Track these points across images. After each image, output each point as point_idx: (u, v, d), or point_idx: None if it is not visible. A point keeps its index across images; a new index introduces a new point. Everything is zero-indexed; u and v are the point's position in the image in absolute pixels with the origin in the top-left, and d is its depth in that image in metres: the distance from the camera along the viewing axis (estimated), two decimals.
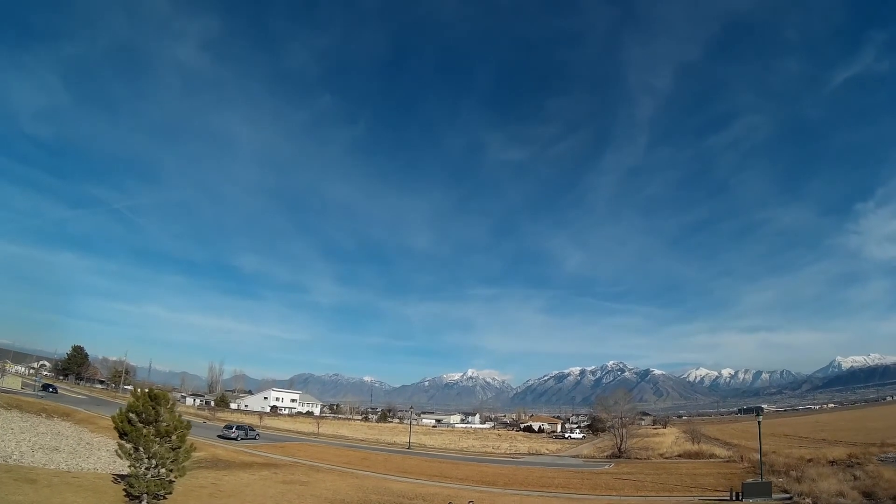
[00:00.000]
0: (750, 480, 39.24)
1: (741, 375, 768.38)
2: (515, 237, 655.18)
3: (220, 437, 62.54)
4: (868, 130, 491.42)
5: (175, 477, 23.71)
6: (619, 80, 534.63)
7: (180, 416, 24.65)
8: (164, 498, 23.91)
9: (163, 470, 23.15)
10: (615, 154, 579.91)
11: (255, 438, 65.84)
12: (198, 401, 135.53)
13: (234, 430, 64.58)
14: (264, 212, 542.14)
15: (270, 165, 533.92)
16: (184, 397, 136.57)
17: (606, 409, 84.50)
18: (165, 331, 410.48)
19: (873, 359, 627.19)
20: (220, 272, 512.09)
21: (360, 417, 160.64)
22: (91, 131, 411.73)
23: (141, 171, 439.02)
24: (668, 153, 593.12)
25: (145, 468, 22.64)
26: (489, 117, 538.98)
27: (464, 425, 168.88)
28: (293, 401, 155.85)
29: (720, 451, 70.30)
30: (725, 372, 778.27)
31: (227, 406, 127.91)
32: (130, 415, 22.81)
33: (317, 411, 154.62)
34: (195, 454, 45.26)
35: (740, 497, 35.55)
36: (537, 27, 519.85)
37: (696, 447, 74.80)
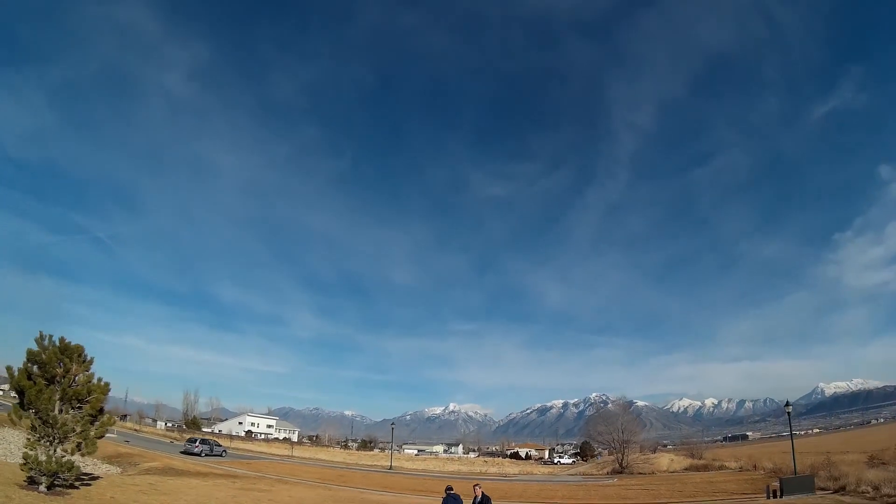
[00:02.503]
0: (788, 476, 34.27)
1: (725, 405, 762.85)
2: (497, 272, 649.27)
3: (182, 452, 55.94)
4: (846, 163, 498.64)
5: (84, 453, 18.10)
6: (602, 117, 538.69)
7: (101, 380, 19.10)
8: (74, 487, 18.27)
9: (68, 446, 17.59)
10: (597, 190, 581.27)
11: (221, 455, 59.13)
12: (169, 423, 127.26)
13: (197, 443, 57.88)
14: (246, 243, 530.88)
15: (253, 196, 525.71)
16: (154, 421, 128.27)
17: (606, 419, 78.91)
18: (143, 362, 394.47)
19: (856, 384, 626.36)
20: (201, 303, 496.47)
21: (339, 446, 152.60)
22: (76, 156, 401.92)
23: (123, 198, 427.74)
24: (650, 189, 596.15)
25: (47, 440, 17.11)
26: (473, 153, 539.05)
27: (447, 455, 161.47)
28: (269, 427, 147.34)
29: (730, 463, 65.12)
30: (709, 402, 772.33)
31: (199, 429, 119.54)
32: (31, 367, 17.35)
33: (294, 438, 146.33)
34: (146, 464, 39.53)
35: (780, 494, 30.59)
36: (522, 64, 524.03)
37: (701, 461, 69.64)
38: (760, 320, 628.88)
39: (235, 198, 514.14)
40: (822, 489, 33.51)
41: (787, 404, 39.48)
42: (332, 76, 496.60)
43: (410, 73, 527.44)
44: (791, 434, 39.20)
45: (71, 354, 18.05)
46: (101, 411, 19.07)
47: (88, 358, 18.91)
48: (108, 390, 19.12)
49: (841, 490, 30.81)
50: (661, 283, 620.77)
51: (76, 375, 18.25)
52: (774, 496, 30.85)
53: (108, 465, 32.28)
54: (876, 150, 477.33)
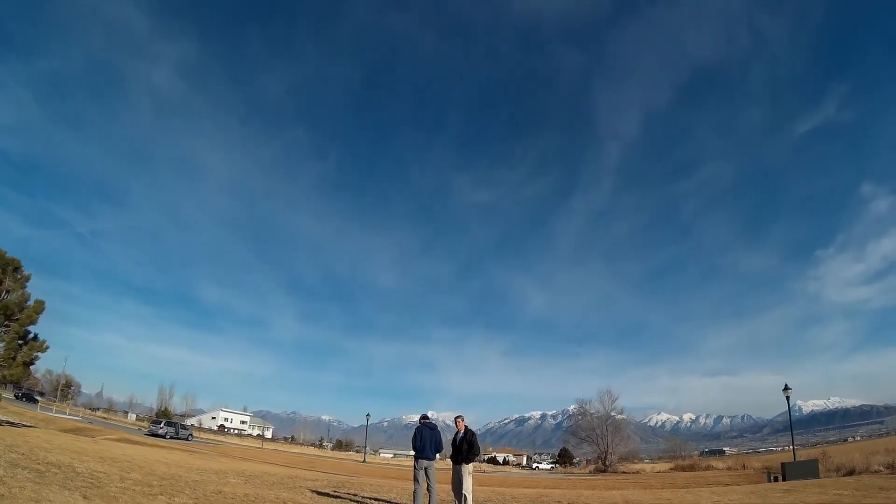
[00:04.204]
0: (789, 462, 32.14)
1: (702, 420, 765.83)
2: (480, 279, 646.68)
3: (147, 434, 52.76)
4: (829, 178, 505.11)
5: (7, 376, 15.41)
6: (588, 124, 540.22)
7: (39, 301, 16.42)
8: None
9: None
10: (582, 198, 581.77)
11: (187, 439, 55.94)
12: (140, 414, 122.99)
13: (162, 425, 54.70)
14: (229, 243, 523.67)
15: (238, 196, 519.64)
16: (126, 413, 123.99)
17: (584, 414, 76.15)
18: (121, 359, 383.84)
19: (833, 402, 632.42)
20: (182, 303, 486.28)
21: (314, 447, 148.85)
22: (60, 150, 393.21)
23: (107, 194, 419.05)
24: (634, 198, 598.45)
25: None
26: (459, 158, 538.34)
27: None
28: (243, 423, 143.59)
29: (717, 464, 63.06)
30: (686, 416, 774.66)
31: (170, 419, 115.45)
32: None
33: (269, 435, 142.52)
34: (102, 437, 36.41)
35: (782, 479, 28.47)
36: (509, 70, 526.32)
37: (687, 462, 67.52)
38: (740, 333, 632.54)
39: (220, 198, 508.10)
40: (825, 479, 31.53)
41: (786, 388, 37.46)
42: (319, 78, 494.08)
43: (397, 76, 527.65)
44: (790, 415, 37.19)
45: (5, 266, 15.41)
46: (35, 338, 16.39)
47: (25, 273, 16.28)
48: (42, 310, 16.47)
49: (850, 473, 28.78)
50: (643, 292, 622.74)
51: (8, 291, 15.60)
52: (776, 481, 28.73)
53: None
54: (858, 167, 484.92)
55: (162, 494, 9.53)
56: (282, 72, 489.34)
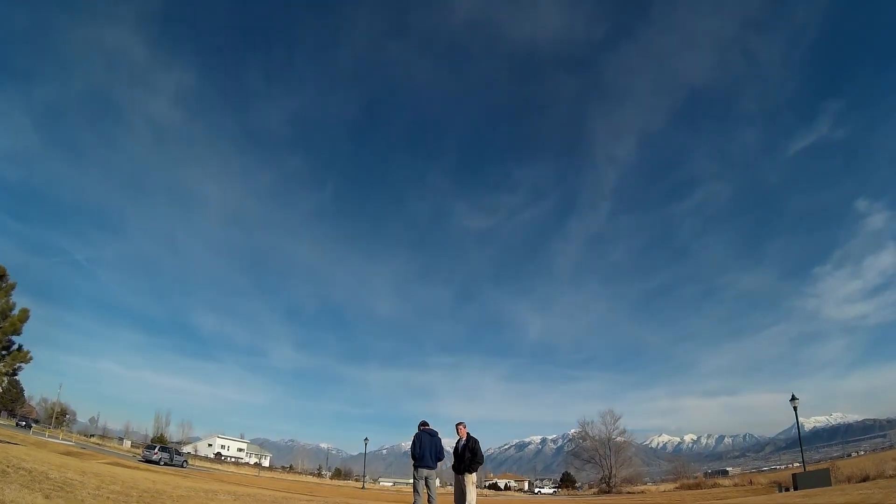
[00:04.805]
0: (800, 472, 31.19)
1: (704, 440, 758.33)
2: (478, 305, 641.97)
3: (140, 460, 51.26)
4: (825, 195, 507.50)
5: None
6: (584, 149, 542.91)
7: (25, 311, 15.73)
8: None
9: None
10: (579, 222, 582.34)
11: (182, 465, 54.31)
12: (136, 441, 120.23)
13: (156, 451, 53.06)
14: (226, 271, 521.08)
15: (236, 224, 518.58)
16: (121, 440, 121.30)
17: (586, 437, 74.50)
18: (118, 388, 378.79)
19: (835, 418, 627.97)
20: (179, 331, 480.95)
21: (312, 476, 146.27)
22: (58, 178, 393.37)
23: (104, 222, 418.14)
24: (631, 220, 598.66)
25: None
26: (455, 184, 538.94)
27: None
28: (240, 450, 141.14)
29: (723, 481, 61.74)
30: (688, 437, 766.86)
31: (165, 445, 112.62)
32: None
33: (266, 463, 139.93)
34: (94, 461, 35.29)
35: (794, 489, 27.56)
36: (506, 96, 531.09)
37: (692, 481, 66.10)
38: (739, 353, 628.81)
39: (217, 226, 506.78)
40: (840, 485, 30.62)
41: (793, 398, 36.63)
42: (317, 107, 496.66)
43: (394, 104, 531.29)
44: (798, 426, 36.27)
45: None
46: (19, 348, 15.68)
47: (10, 282, 15.61)
48: (27, 318, 15.79)
49: (864, 480, 27.89)
50: (641, 314, 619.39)
51: None
52: (787, 491, 27.82)
53: None
54: (853, 184, 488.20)
55: None
56: (280, 100, 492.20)
